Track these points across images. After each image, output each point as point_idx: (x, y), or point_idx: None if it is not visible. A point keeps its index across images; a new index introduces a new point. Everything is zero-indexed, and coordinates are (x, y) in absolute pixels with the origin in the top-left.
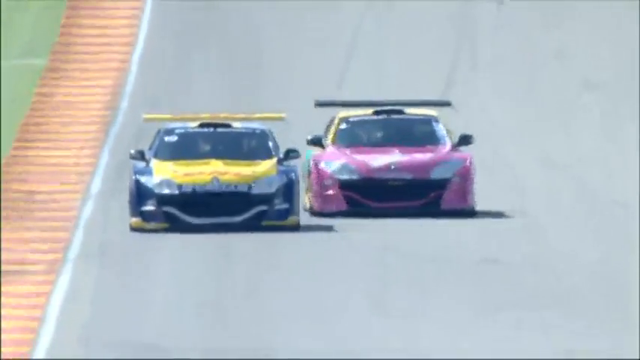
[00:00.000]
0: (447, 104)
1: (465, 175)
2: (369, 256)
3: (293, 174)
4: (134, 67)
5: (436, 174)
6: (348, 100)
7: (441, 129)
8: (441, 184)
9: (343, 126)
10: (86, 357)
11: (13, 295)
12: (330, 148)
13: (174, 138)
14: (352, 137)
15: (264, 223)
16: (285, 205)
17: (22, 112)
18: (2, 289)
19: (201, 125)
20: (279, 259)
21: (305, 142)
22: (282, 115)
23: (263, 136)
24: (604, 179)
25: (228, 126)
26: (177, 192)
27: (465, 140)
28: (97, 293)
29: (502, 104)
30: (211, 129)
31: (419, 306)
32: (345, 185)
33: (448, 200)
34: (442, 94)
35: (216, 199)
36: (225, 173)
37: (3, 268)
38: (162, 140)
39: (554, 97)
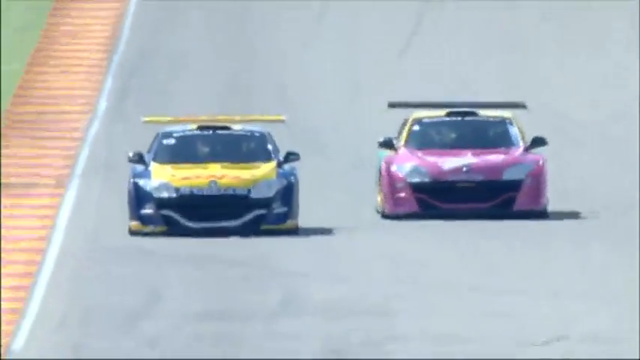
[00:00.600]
0: (521, 106)
1: (538, 177)
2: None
3: (292, 177)
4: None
5: (508, 175)
6: (421, 102)
7: (514, 131)
8: (514, 186)
9: (416, 128)
10: (93, 262)
11: (27, 206)
12: (402, 151)
13: (172, 141)
14: (424, 139)
15: (263, 227)
16: (283, 209)
17: (33, 40)
18: (16, 201)
19: (200, 128)
20: None
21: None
22: (282, 117)
23: (262, 139)
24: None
25: (227, 128)
26: (175, 195)
27: (539, 142)
28: (101, 205)
29: None
30: (210, 131)
31: None
32: (416, 188)
33: (520, 202)
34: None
35: (215, 203)
36: (224, 177)
37: (17, 180)
38: (160, 143)
39: None
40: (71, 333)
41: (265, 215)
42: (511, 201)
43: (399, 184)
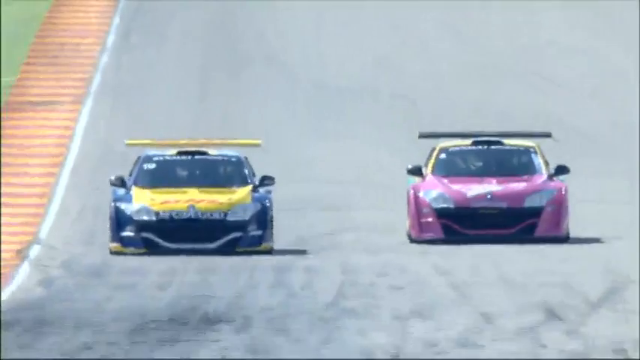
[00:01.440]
0: (547, 136)
1: (559, 204)
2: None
3: (267, 201)
4: None
5: (530, 202)
6: (450, 132)
7: (538, 159)
8: (535, 213)
9: (442, 156)
10: (104, 164)
11: (49, 118)
12: (429, 178)
13: (152, 165)
14: (451, 167)
15: (239, 249)
16: (258, 232)
17: None
18: (40, 115)
19: (179, 153)
20: None
21: (406, 172)
22: (259, 141)
23: (238, 164)
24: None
25: (204, 153)
26: (154, 219)
27: (562, 170)
28: (110, 119)
29: None
30: (189, 157)
31: None
32: (441, 214)
33: (542, 228)
34: None
35: (193, 226)
36: (201, 201)
37: (41, 99)
38: (141, 168)
39: None
40: (86, 223)
41: (241, 238)
42: (533, 227)
43: (425, 210)
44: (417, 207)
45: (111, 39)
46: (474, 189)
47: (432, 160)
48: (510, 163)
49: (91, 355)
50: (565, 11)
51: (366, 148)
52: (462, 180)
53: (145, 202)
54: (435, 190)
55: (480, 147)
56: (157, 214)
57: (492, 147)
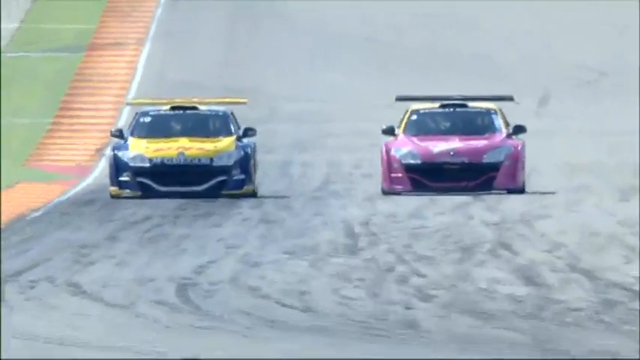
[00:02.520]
0: (510, 99)
1: (516, 159)
2: None
3: (249, 149)
4: None
5: (489, 158)
6: (423, 95)
7: (498, 120)
8: (494, 167)
9: (413, 117)
10: (160, 91)
11: (117, 55)
12: (400, 137)
13: (148, 119)
14: (420, 127)
15: (224, 192)
16: (241, 176)
17: None
18: (106, 58)
19: (172, 108)
20: None
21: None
22: (244, 99)
23: (225, 117)
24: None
25: (195, 108)
26: (148, 165)
27: (519, 129)
28: (165, 57)
29: None
30: (181, 111)
31: None
32: (409, 168)
33: (500, 181)
34: None
35: (182, 171)
36: (190, 148)
37: (112, 41)
38: (138, 121)
39: None
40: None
41: (226, 181)
42: (491, 180)
43: (395, 165)
44: (388, 162)
45: None
46: (439, 146)
47: (404, 121)
48: (473, 123)
49: (149, 223)
50: None
51: (349, 80)
52: (429, 138)
53: (139, 150)
54: (404, 148)
55: (446, 109)
56: (150, 160)
57: (458, 109)
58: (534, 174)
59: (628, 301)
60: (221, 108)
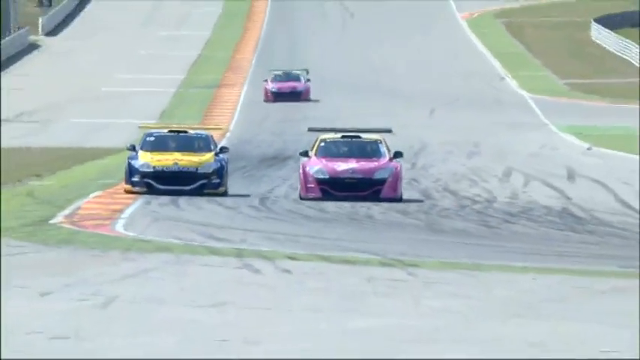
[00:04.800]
0: (389, 131)
1: (396, 177)
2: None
3: (224, 162)
4: None
5: (377, 175)
6: (329, 127)
7: (383, 147)
8: (381, 182)
9: (322, 144)
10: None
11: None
12: (313, 158)
13: (152, 138)
14: (327, 151)
15: (205, 191)
16: (217, 181)
17: None
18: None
19: (170, 131)
20: None
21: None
22: (221, 126)
23: (206, 138)
24: None
25: (185, 132)
26: (152, 170)
27: (398, 154)
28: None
29: None
30: (175, 134)
31: None
32: (320, 181)
33: (385, 192)
34: None
35: (176, 175)
36: (182, 160)
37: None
38: (145, 140)
39: None
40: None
41: (207, 184)
42: (378, 192)
43: (310, 179)
44: (305, 177)
45: None
46: (342, 166)
47: (315, 147)
48: (365, 150)
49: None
50: None
51: None
52: (334, 160)
53: (146, 160)
54: (316, 166)
55: (346, 139)
56: (154, 167)
57: (354, 139)
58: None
59: (472, 204)
60: (203, 132)
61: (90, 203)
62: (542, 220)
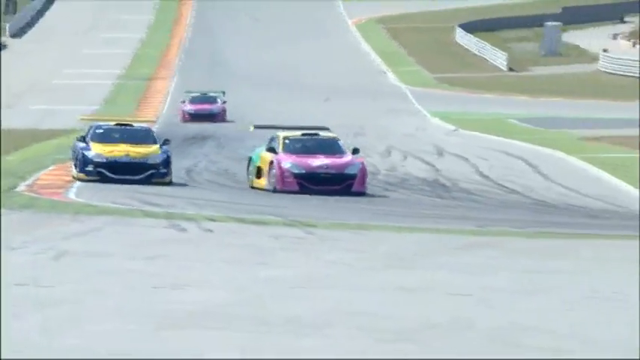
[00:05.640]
0: (326, 129)
1: (363, 172)
2: None
3: (169, 152)
4: None
5: (349, 170)
6: (278, 125)
7: (342, 144)
8: (352, 177)
9: (286, 141)
10: None
11: None
12: (282, 154)
13: (101, 130)
14: (293, 148)
15: (153, 180)
16: (164, 171)
17: None
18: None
19: (116, 124)
20: None
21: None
22: (154, 119)
23: (149, 131)
24: None
25: (130, 125)
26: (105, 160)
27: (356, 151)
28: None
29: None
30: (121, 127)
31: None
32: (297, 176)
33: (356, 186)
34: None
35: (127, 166)
36: (132, 151)
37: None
38: (94, 132)
39: None
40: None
41: (155, 173)
42: (350, 186)
43: (287, 173)
44: (281, 171)
45: None
46: (315, 162)
47: (280, 144)
48: (328, 146)
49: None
50: None
51: None
52: (303, 156)
53: (99, 151)
54: (291, 162)
55: (307, 137)
56: (107, 157)
57: (314, 137)
58: None
59: (420, 184)
60: (145, 125)
61: (47, 175)
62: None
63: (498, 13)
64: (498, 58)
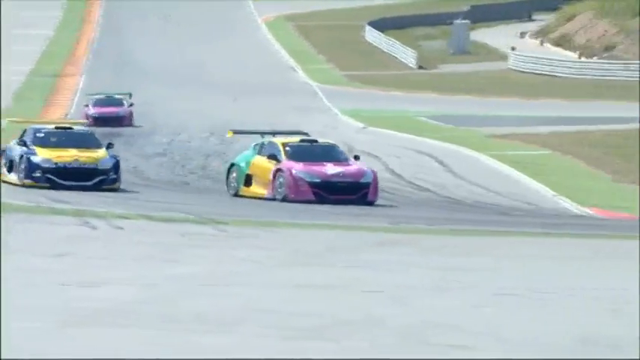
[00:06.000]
0: (306, 134)
1: (376, 180)
2: None
3: (117, 158)
4: None
5: (364, 179)
6: (256, 130)
7: (344, 152)
8: (367, 185)
9: (288, 148)
10: None
11: None
12: (288, 161)
13: (42, 134)
14: (297, 155)
15: (104, 186)
16: (114, 176)
17: None
18: None
19: (56, 127)
20: None
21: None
22: (85, 121)
23: (91, 135)
24: None
25: (71, 128)
26: (54, 166)
27: (357, 157)
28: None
29: None
30: (63, 130)
31: None
32: (313, 185)
33: (370, 195)
34: None
35: (77, 171)
36: (81, 156)
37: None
38: (35, 135)
39: None
40: None
41: (105, 179)
42: (365, 195)
43: (301, 182)
44: (294, 179)
45: None
46: (330, 169)
47: (282, 151)
48: (332, 154)
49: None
50: None
51: None
52: (312, 164)
53: (46, 156)
54: (304, 169)
55: (307, 143)
56: (55, 163)
57: (314, 143)
58: None
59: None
60: (86, 128)
61: None
62: None
63: (408, 11)
64: (408, 56)
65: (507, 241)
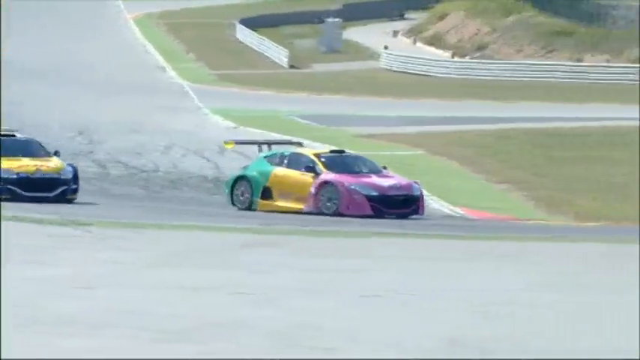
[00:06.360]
0: (300, 144)
1: (422, 193)
2: None
3: (75, 166)
4: None
5: (415, 191)
6: (253, 140)
7: (373, 161)
8: (418, 198)
9: (323, 159)
10: None
11: None
12: (329, 174)
13: None
14: (334, 166)
15: (67, 197)
16: (75, 186)
17: None
18: None
19: (2, 135)
20: None
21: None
22: (16, 130)
23: (37, 142)
24: None
25: (14, 135)
26: (15, 177)
27: (385, 168)
28: None
29: None
30: (8, 137)
31: None
32: (369, 198)
33: (421, 207)
34: None
35: (40, 181)
36: (42, 166)
37: None
38: None
39: None
40: None
41: (67, 189)
42: (417, 207)
43: (356, 195)
44: (348, 193)
45: None
46: (386, 182)
47: (319, 163)
48: (363, 164)
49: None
50: None
51: None
52: (354, 175)
53: (6, 166)
54: (356, 183)
55: (336, 154)
56: (17, 173)
57: (343, 154)
58: None
59: (139, 173)
60: (29, 136)
61: None
62: (198, 186)
63: (280, 9)
64: (279, 54)
65: (378, 243)
